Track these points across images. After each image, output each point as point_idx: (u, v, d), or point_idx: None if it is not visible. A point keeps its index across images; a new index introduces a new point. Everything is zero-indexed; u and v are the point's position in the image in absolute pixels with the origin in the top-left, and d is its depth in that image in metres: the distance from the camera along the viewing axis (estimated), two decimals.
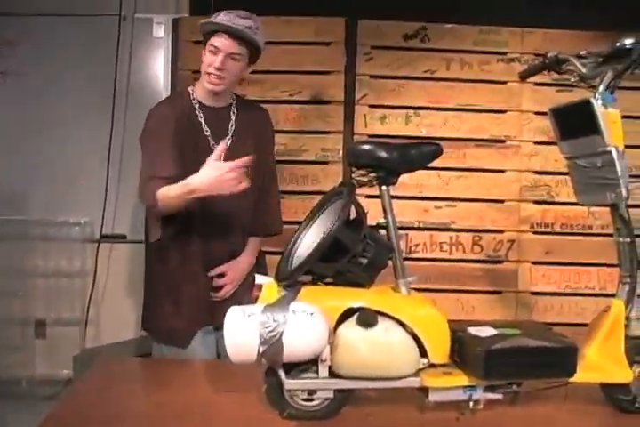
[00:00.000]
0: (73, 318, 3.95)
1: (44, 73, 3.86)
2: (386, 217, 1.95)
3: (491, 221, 3.72)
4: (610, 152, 1.95)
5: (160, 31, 3.91)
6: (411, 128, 3.73)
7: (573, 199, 2.17)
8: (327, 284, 1.94)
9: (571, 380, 1.93)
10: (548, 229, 3.79)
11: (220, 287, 2.67)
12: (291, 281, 1.84)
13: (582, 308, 3.68)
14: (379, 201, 1.97)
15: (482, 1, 3.82)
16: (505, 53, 3.83)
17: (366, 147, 1.96)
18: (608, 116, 1.96)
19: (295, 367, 1.83)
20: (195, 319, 2.65)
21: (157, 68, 3.94)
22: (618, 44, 2.01)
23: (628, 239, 2.04)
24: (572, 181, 2.13)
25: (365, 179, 1.96)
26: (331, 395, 1.86)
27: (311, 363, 1.82)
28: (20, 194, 3.87)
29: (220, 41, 2.49)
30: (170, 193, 2.38)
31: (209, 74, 2.54)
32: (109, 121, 3.84)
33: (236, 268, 2.72)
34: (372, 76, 3.77)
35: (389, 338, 1.81)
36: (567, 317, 3.71)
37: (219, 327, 2.43)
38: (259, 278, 1.89)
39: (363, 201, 2.02)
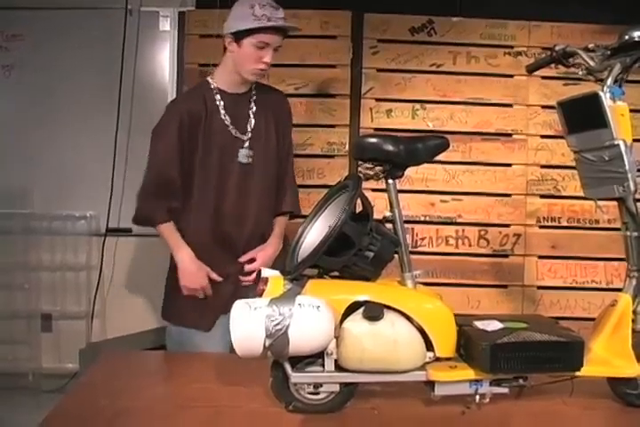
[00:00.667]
0: (79, 312, 3.97)
1: (50, 66, 3.86)
2: (392, 211, 1.94)
3: (497, 215, 3.71)
4: (618, 145, 1.94)
5: (166, 24, 3.90)
6: (417, 122, 3.72)
7: (580, 193, 2.17)
8: (333, 277, 1.93)
9: (577, 374, 1.92)
10: (555, 224, 3.77)
11: (251, 272, 2.68)
12: (296, 275, 1.83)
13: (589, 302, 3.67)
14: (385, 195, 1.96)
15: None
16: (512, 47, 3.82)
17: (373, 140, 1.95)
18: (616, 110, 1.95)
19: (301, 361, 1.83)
20: (219, 304, 2.66)
21: (163, 62, 3.94)
22: (626, 37, 2.00)
23: (636, 233, 2.03)
24: (580, 174, 2.12)
25: (371, 172, 1.95)
26: (336, 388, 1.86)
27: (317, 356, 1.82)
28: (25, 188, 3.87)
29: (269, 37, 2.56)
30: (164, 235, 2.67)
31: (258, 68, 2.61)
32: (115, 115, 3.83)
33: (265, 252, 2.76)
34: (378, 70, 3.76)
35: (395, 332, 1.81)
36: (573, 311, 3.71)
37: None
38: (265, 272, 1.89)
39: (369, 195, 2.02)
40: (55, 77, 3.86)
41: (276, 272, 1.88)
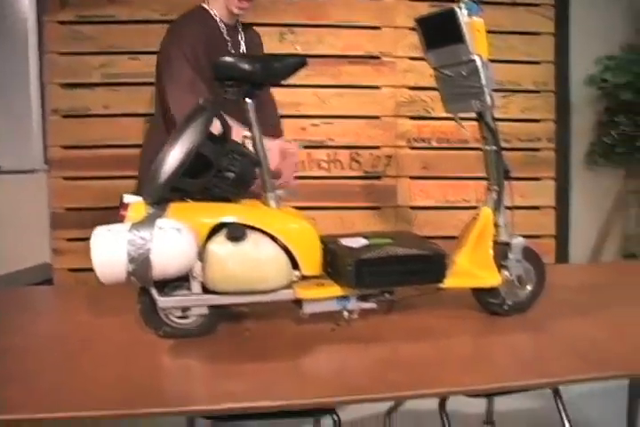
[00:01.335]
0: None
1: None
2: (251, 130, 1.91)
3: (368, 137, 3.74)
4: (474, 61, 1.95)
5: None
6: (285, 46, 3.69)
7: (449, 114, 2.18)
8: (196, 200, 1.90)
9: (442, 286, 1.97)
10: (425, 144, 3.84)
11: None
12: (156, 198, 1.79)
13: (460, 220, 3.71)
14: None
15: None
16: None
17: (229, 60, 1.90)
18: (472, 26, 1.96)
19: (168, 285, 1.81)
20: None
21: None
22: None
23: (495, 148, 2.07)
24: (440, 91, 2.13)
25: (229, 92, 1.91)
26: (205, 311, 1.85)
27: (184, 280, 1.80)
28: None
29: None
30: None
31: (239, 1, 2.56)
32: None
33: (288, 164, 2.54)
34: None
35: (259, 252, 1.80)
36: (446, 230, 3.78)
37: None
38: (126, 198, 1.84)
39: None
40: None
41: (137, 197, 1.84)
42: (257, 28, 3.58)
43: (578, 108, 4.18)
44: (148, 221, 1.72)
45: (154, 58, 3.57)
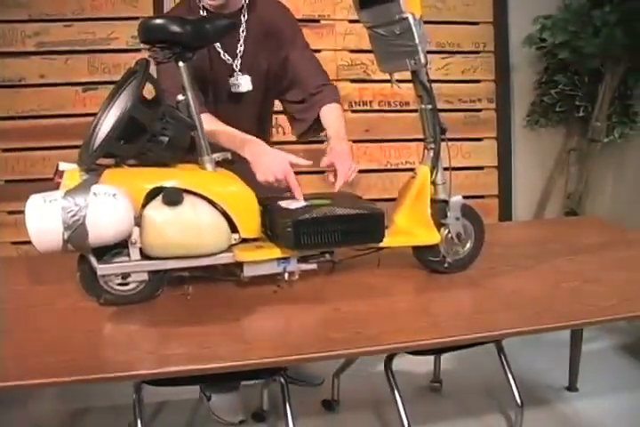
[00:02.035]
0: None
1: None
2: (185, 94, 1.89)
3: None
4: (407, 19, 1.94)
5: None
6: None
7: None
8: (131, 166, 1.89)
9: (381, 245, 1.99)
10: (367, 107, 3.84)
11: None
12: (90, 164, 1.77)
13: (404, 182, 3.78)
14: None
15: None
16: None
17: (158, 21, 1.87)
18: None
19: (107, 252, 1.80)
20: None
21: None
22: None
23: (430, 106, 2.08)
24: (374, 50, 2.12)
25: (161, 55, 1.88)
26: (145, 277, 1.85)
27: (122, 247, 1.80)
28: None
29: None
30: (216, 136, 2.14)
31: None
32: None
33: (341, 156, 2.22)
34: None
35: (197, 215, 1.80)
36: (390, 192, 3.80)
37: None
38: (61, 166, 1.82)
39: None
40: None
41: (73, 165, 1.82)
42: None
43: (517, 69, 4.20)
44: (82, 188, 1.71)
45: (88, 25, 3.55)
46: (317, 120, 2.43)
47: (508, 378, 2.52)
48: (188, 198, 1.79)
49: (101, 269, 1.79)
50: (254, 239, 1.93)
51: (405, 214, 2.07)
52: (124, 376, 1.56)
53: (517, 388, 2.49)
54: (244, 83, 2.38)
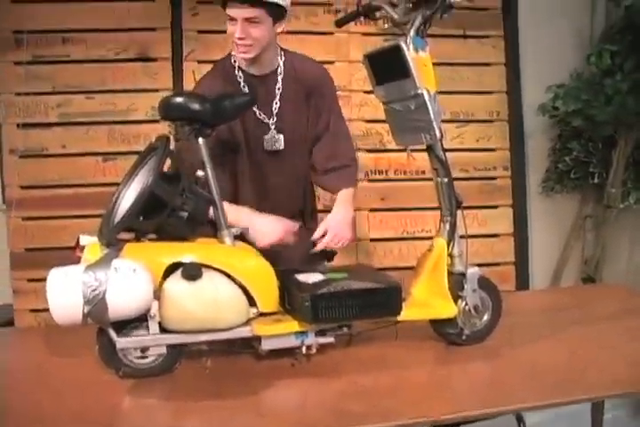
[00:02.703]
0: None
1: None
2: (204, 170, 1.93)
3: None
4: (422, 95, 1.99)
5: None
6: None
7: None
8: (151, 240, 1.91)
9: (399, 318, 1.99)
10: (383, 177, 3.87)
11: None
12: (110, 239, 1.80)
13: (420, 251, 3.71)
14: None
15: None
16: (331, 5, 3.86)
17: (179, 99, 1.93)
18: (419, 60, 1.99)
19: (126, 325, 1.82)
20: None
21: None
22: None
23: (446, 179, 2.10)
24: (390, 125, 2.16)
25: (180, 132, 1.93)
26: (164, 351, 1.86)
27: (141, 320, 1.81)
28: None
29: (233, 10, 2.23)
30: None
31: (235, 44, 2.29)
32: None
33: (334, 225, 2.40)
34: (199, 32, 3.71)
35: (216, 290, 1.82)
36: (406, 261, 3.81)
37: None
38: (82, 239, 1.85)
39: None
40: None
41: (94, 239, 1.85)
42: None
43: (531, 136, 4.24)
44: (103, 262, 1.73)
45: (109, 97, 3.62)
46: None
47: None
48: (207, 273, 1.81)
49: (120, 342, 1.80)
50: (272, 313, 1.93)
51: (423, 287, 2.08)
52: None
53: None
54: (278, 141, 2.41)
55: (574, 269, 4.33)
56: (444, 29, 3.71)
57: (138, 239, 1.89)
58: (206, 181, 1.93)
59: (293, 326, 1.90)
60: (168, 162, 1.90)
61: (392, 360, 2.03)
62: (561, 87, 3.95)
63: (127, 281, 1.70)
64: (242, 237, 2.03)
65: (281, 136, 2.41)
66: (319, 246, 2.36)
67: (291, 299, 1.93)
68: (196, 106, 1.87)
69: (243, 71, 2.39)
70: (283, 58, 2.44)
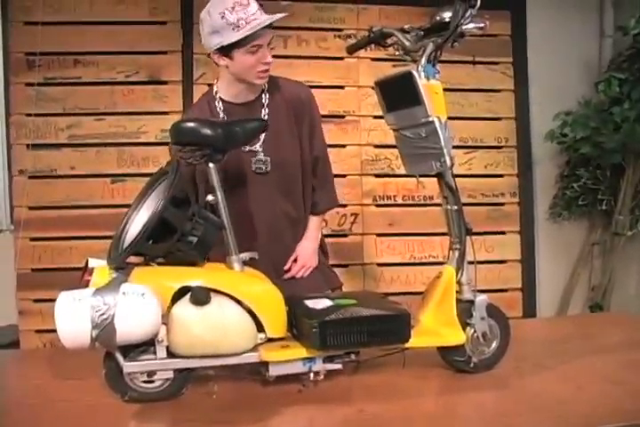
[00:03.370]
0: None
1: None
2: (215, 195, 1.94)
3: None
4: (433, 122, 1.99)
5: None
6: None
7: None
8: (160, 264, 1.91)
9: (407, 345, 1.98)
10: (390, 202, 3.89)
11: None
12: (119, 263, 1.80)
13: (427, 277, 3.71)
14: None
15: None
16: (341, 30, 3.91)
17: (190, 125, 1.94)
18: (430, 88, 2.00)
19: (133, 350, 1.81)
20: None
21: None
22: (437, 18, 2.06)
23: (456, 207, 2.10)
24: (400, 151, 2.17)
25: (191, 157, 1.93)
26: (171, 375, 1.85)
27: (149, 344, 1.80)
28: None
29: (262, 39, 2.26)
30: None
31: (262, 70, 2.32)
32: None
33: (304, 253, 2.54)
34: (209, 55, 3.71)
35: (224, 315, 1.81)
36: (413, 286, 3.82)
37: None
38: (91, 262, 1.85)
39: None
40: None
41: (102, 262, 1.85)
42: None
43: (540, 163, 4.26)
44: (111, 287, 1.73)
45: (119, 118, 3.64)
46: None
47: None
48: (215, 298, 1.80)
49: (128, 366, 1.79)
50: (280, 338, 1.93)
51: (431, 314, 2.07)
52: None
53: None
54: (263, 163, 2.41)
55: (582, 296, 4.33)
56: (453, 55, 3.73)
57: (147, 263, 1.89)
58: (216, 206, 1.94)
59: (301, 352, 1.88)
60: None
61: (399, 388, 2.02)
62: (569, 114, 3.97)
63: (135, 306, 1.70)
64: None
65: (268, 158, 2.41)
66: (289, 275, 2.50)
67: (299, 325, 1.93)
68: (207, 131, 1.88)
69: (224, 102, 2.41)
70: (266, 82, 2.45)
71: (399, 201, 3.90)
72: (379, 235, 3.87)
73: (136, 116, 3.69)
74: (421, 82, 1.99)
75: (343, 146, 3.79)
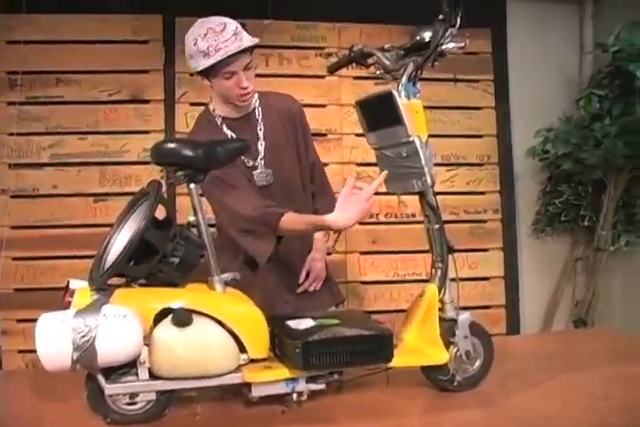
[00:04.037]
0: None
1: None
2: (196, 215, 1.93)
3: None
4: (413, 142, 2.00)
5: None
6: None
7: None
8: (142, 285, 1.91)
9: (390, 365, 1.98)
10: (374, 220, 3.88)
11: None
12: (100, 284, 1.80)
13: (411, 294, 3.71)
14: None
15: None
16: (323, 48, 3.92)
17: (171, 145, 1.94)
18: (410, 107, 2.01)
19: (115, 371, 1.80)
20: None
21: None
22: (417, 38, 2.07)
23: (437, 226, 2.10)
24: (381, 170, 2.17)
25: (172, 177, 1.93)
26: (153, 397, 1.84)
27: (131, 366, 1.79)
28: None
29: (234, 65, 2.26)
30: (299, 226, 2.28)
31: (239, 94, 2.34)
32: None
33: (315, 266, 2.67)
34: (191, 74, 3.69)
35: (206, 336, 1.81)
36: (398, 303, 3.82)
37: None
38: (72, 283, 1.84)
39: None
40: None
41: (84, 283, 1.84)
42: None
43: (522, 179, 4.27)
44: (93, 308, 1.72)
45: (101, 138, 3.64)
46: None
47: None
48: (197, 319, 1.80)
49: (109, 388, 1.78)
50: (263, 359, 1.92)
51: (414, 333, 2.07)
52: None
53: None
54: (266, 176, 2.45)
55: (565, 311, 4.33)
56: (434, 73, 3.75)
57: (128, 285, 1.88)
58: (198, 226, 1.93)
59: (284, 372, 1.88)
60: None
61: (383, 407, 2.01)
62: (550, 131, 4.00)
63: (117, 327, 1.69)
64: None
65: (270, 171, 2.45)
66: (302, 288, 2.62)
67: (281, 345, 1.92)
68: (188, 152, 1.88)
69: (223, 118, 2.45)
70: (256, 96, 2.49)
71: (382, 219, 3.91)
72: (362, 253, 3.87)
73: (118, 136, 3.68)
74: (402, 101, 1.99)
75: (326, 164, 3.78)
